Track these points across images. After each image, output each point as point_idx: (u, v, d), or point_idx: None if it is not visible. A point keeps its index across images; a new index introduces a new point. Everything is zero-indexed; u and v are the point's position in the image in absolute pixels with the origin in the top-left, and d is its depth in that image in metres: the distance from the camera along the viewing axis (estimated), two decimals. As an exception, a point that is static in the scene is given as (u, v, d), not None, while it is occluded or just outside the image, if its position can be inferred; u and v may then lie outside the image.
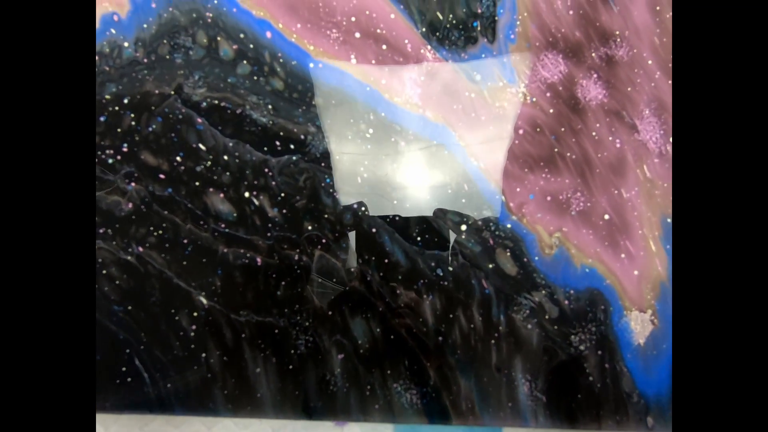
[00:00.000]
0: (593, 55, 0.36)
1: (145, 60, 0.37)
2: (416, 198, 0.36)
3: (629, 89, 0.36)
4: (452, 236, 0.34)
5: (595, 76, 0.36)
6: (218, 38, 0.37)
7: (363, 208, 0.35)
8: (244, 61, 0.37)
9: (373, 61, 0.37)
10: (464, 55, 0.36)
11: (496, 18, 0.37)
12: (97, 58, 0.37)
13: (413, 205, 0.35)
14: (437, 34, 0.37)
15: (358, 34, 0.37)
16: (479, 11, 0.37)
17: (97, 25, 0.38)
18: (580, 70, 0.36)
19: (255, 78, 0.37)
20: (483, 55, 0.37)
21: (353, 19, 0.37)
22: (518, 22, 0.37)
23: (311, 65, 0.37)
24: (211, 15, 0.37)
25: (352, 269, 0.34)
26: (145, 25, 0.37)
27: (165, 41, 0.37)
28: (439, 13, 0.37)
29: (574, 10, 0.37)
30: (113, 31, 0.37)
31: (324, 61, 0.37)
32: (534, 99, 0.36)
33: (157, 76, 0.37)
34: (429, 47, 0.37)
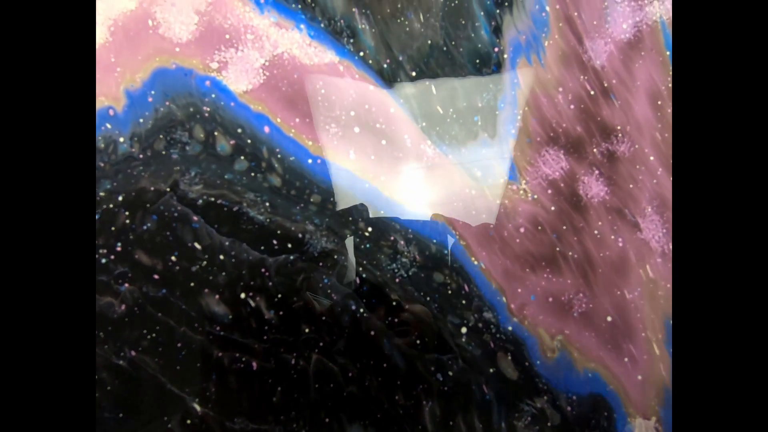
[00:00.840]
0: (595, 150, 0.36)
1: (141, 156, 0.36)
2: (415, 299, 0.35)
3: (631, 186, 0.35)
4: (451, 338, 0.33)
5: (596, 172, 0.36)
6: (215, 133, 0.36)
7: (361, 310, 0.35)
8: (242, 157, 0.36)
9: (373, 157, 0.36)
10: (465, 150, 0.36)
11: (497, 112, 0.36)
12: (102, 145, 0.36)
13: (412, 306, 0.34)
14: (437, 128, 0.36)
15: (357, 129, 0.36)
16: (480, 105, 0.36)
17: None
18: (581, 166, 0.35)
19: (252, 174, 0.36)
20: (484, 151, 0.36)
21: (352, 113, 0.37)
22: (519, 117, 0.36)
23: (309, 161, 0.36)
24: (208, 109, 0.37)
25: (353, 281, 0.32)
26: (141, 120, 0.37)
27: (161, 136, 0.36)
28: (439, 107, 0.37)
29: (575, 104, 0.36)
30: (108, 125, 0.36)
31: (322, 156, 0.36)
32: (535, 196, 0.35)
33: (153, 173, 0.36)
34: (429, 142, 0.36)
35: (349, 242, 0.36)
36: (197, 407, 0.35)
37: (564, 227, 0.35)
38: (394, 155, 0.37)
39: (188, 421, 0.35)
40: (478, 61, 0.39)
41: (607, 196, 0.36)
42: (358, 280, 0.37)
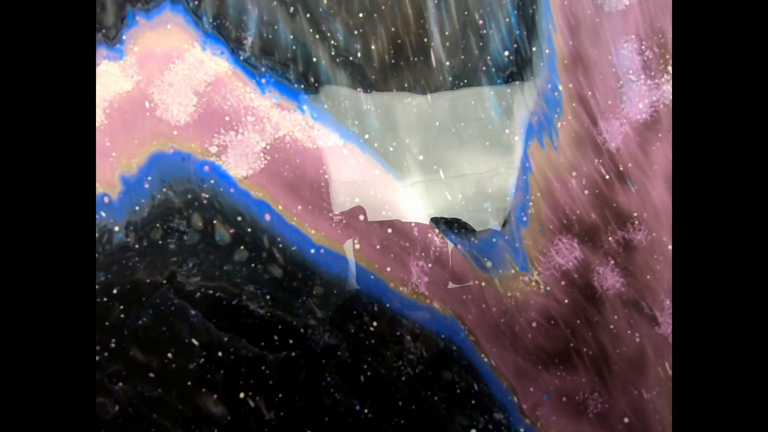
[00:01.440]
0: (610, 239, 0.34)
1: (137, 246, 0.34)
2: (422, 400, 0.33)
3: (648, 277, 0.33)
4: None
5: (612, 262, 0.34)
6: (214, 221, 0.34)
7: (366, 410, 0.32)
8: (242, 247, 0.34)
9: (378, 247, 0.35)
10: (474, 239, 0.34)
11: (508, 198, 0.34)
12: None
13: (418, 408, 0.32)
14: (446, 216, 0.34)
15: (361, 217, 0.34)
16: (490, 191, 0.34)
17: None
18: (596, 255, 0.33)
19: (252, 265, 0.34)
20: (494, 240, 0.34)
21: (357, 199, 0.35)
22: (531, 203, 0.34)
23: (312, 251, 0.34)
24: (207, 196, 0.35)
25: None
26: (137, 208, 0.35)
27: (158, 225, 0.34)
28: (447, 193, 0.35)
29: (589, 190, 0.34)
30: (103, 214, 0.35)
31: (325, 246, 0.34)
32: (548, 288, 0.33)
33: (149, 264, 0.34)
34: (437, 231, 0.34)
35: (348, 246, 0.34)
36: None
37: (578, 321, 0.34)
38: (401, 245, 0.35)
39: None
40: (488, 143, 0.37)
41: (623, 287, 0.34)
42: (362, 378, 0.35)
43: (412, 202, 0.38)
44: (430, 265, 0.37)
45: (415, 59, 0.40)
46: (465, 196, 0.38)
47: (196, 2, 0.41)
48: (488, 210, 0.38)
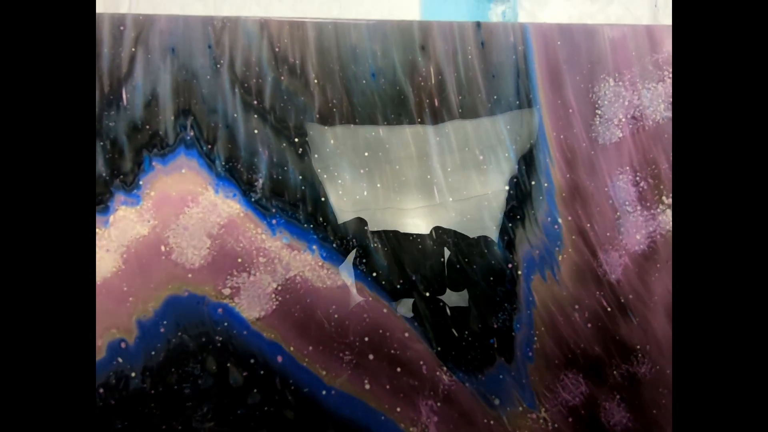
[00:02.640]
0: (615, 373, 0.34)
1: (152, 391, 0.34)
2: None
3: (654, 412, 0.34)
4: None
5: (618, 397, 0.34)
6: (228, 365, 0.35)
7: None
8: (255, 390, 0.34)
9: (388, 386, 0.35)
10: (482, 376, 0.34)
11: (513, 333, 0.35)
12: (101, 390, 0.35)
13: None
14: (453, 353, 0.34)
15: (371, 356, 0.35)
16: (495, 326, 0.35)
17: (103, 354, 0.35)
18: (601, 390, 0.34)
19: (265, 408, 0.34)
20: (501, 376, 0.34)
21: (366, 339, 0.35)
22: (536, 338, 0.35)
23: (324, 392, 0.34)
24: (221, 338, 0.35)
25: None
26: (153, 352, 0.35)
27: (173, 369, 0.35)
28: (454, 330, 0.35)
29: (592, 323, 0.35)
30: (120, 360, 0.35)
31: (336, 387, 0.34)
32: (556, 425, 0.33)
33: (165, 410, 0.34)
34: (445, 368, 0.34)
35: (348, 267, 0.35)
36: None
37: (587, 460, 0.34)
38: (410, 383, 0.35)
39: None
40: (492, 278, 0.38)
41: (630, 423, 0.35)
42: None
43: (420, 338, 0.39)
44: (439, 404, 0.37)
45: (420, 196, 0.41)
46: (471, 331, 0.39)
47: (209, 146, 0.43)
48: (494, 346, 0.38)
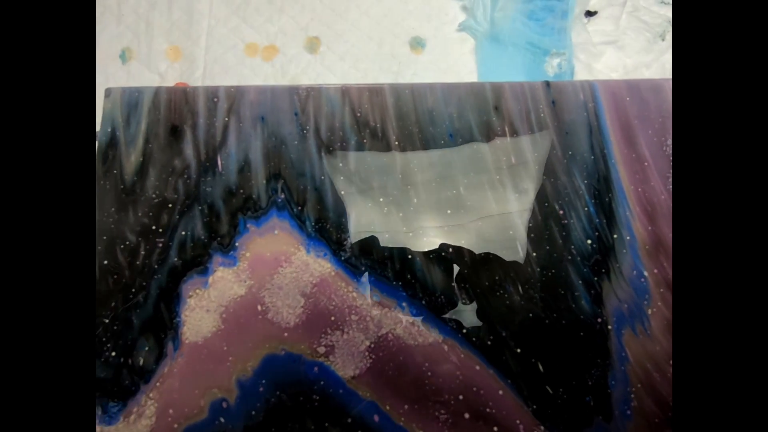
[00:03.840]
0: None
1: None
2: None
3: None
4: None
5: None
6: (326, 424, 0.35)
7: None
8: None
9: None
10: None
11: (609, 391, 0.34)
12: None
13: None
14: (548, 411, 0.34)
15: (467, 415, 0.35)
16: (590, 383, 0.34)
17: (206, 414, 0.36)
18: None
19: None
20: None
21: (461, 397, 0.35)
22: (633, 395, 0.34)
23: None
24: (318, 398, 0.35)
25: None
26: (253, 412, 0.36)
27: (273, 429, 0.35)
28: (548, 387, 0.35)
29: None
30: (222, 420, 0.36)
31: None
32: None
33: None
34: (542, 428, 0.34)
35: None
36: None
37: None
38: None
39: None
40: (582, 333, 0.38)
41: None
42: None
43: (515, 397, 0.38)
44: (538, 465, 0.37)
45: (504, 252, 0.42)
46: (566, 389, 0.39)
47: (300, 208, 0.45)
48: (591, 404, 0.38)
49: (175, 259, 0.47)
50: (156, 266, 0.47)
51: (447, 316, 0.43)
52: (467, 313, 0.43)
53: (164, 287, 0.46)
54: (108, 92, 0.51)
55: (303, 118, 0.51)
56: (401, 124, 0.50)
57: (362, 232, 0.45)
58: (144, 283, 0.46)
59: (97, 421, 0.42)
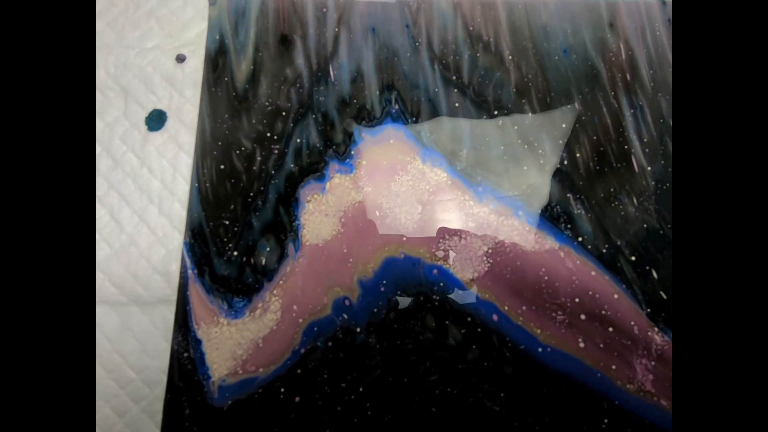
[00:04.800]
0: None
1: (378, 346, 0.37)
2: None
3: None
4: None
5: None
6: (446, 322, 0.36)
7: None
8: (474, 346, 0.36)
9: (601, 345, 0.36)
10: None
11: None
12: (330, 344, 0.37)
13: None
14: (662, 314, 0.36)
15: (583, 316, 0.36)
16: None
17: (329, 311, 0.38)
18: None
19: (485, 363, 0.36)
20: None
21: (577, 300, 0.37)
22: None
23: (539, 350, 0.36)
24: (437, 298, 0.37)
25: None
26: (375, 310, 0.38)
27: (395, 326, 0.37)
28: (662, 292, 0.36)
29: None
30: (345, 316, 0.37)
31: (552, 345, 0.36)
32: None
33: (389, 363, 0.36)
34: (656, 329, 0.35)
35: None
36: None
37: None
38: (623, 343, 0.37)
39: None
40: None
41: None
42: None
43: (630, 301, 0.40)
44: (653, 362, 0.38)
45: (618, 165, 0.42)
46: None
47: (414, 119, 0.45)
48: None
49: (292, 165, 0.48)
50: (273, 172, 0.48)
51: (562, 224, 0.45)
52: (583, 222, 0.43)
53: (282, 192, 0.47)
54: (213, 0, 0.51)
55: (415, 31, 0.51)
56: (515, 38, 0.50)
57: (477, 144, 0.46)
58: (262, 188, 0.47)
59: (222, 315, 0.44)
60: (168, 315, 0.47)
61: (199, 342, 0.48)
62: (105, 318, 0.48)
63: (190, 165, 0.48)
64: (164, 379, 0.43)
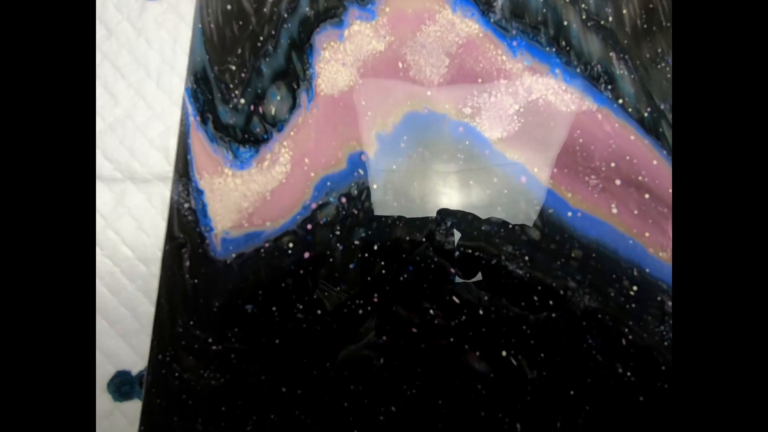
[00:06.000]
0: None
1: (395, 204, 0.34)
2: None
3: None
4: None
5: None
6: (470, 182, 0.34)
7: (628, 373, 0.32)
8: (498, 208, 0.33)
9: (636, 212, 0.34)
10: None
11: None
12: (344, 200, 0.34)
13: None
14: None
15: (618, 182, 0.34)
16: None
17: (344, 165, 0.35)
18: None
19: (510, 226, 0.33)
20: None
21: (613, 164, 0.34)
22: None
23: (569, 214, 0.33)
24: (462, 157, 0.34)
25: None
26: (394, 167, 0.35)
27: (415, 184, 0.34)
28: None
29: None
30: (361, 171, 0.34)
31: (582, 210, 0.33)
32: None
33: (408, 222, 0.34)
34: None
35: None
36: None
37: None
38: (659, 210, 0.34)
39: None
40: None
41: None
42: (624, 342, 0.35)
43: (670, 167, 0.37)
44: (689, 232, 0.36)
45: (668, 25, 0.39)
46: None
47: (444, -36, 0.41)
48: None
49: (307, 9, 0.44)
50: (285, 15, 0.44)
51: (602, 84, 0.42)
52: (625, 83, 0.40)
53: (295, 38, 0.44)
54: None
55: None
56: None
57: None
58: (273, 32, 0.44)
59: (227, 166, 0.42)
60: (165, 193, 0.44)
61: (200, 192, 0.46)
62: (99, 195, 0.45)
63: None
64: (160, 256, 0.40)
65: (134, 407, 0.41)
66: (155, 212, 0.45)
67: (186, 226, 0.40)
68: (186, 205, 0.40)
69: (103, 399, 0.42)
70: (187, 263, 0.39)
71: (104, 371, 0.42)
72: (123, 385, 0.42)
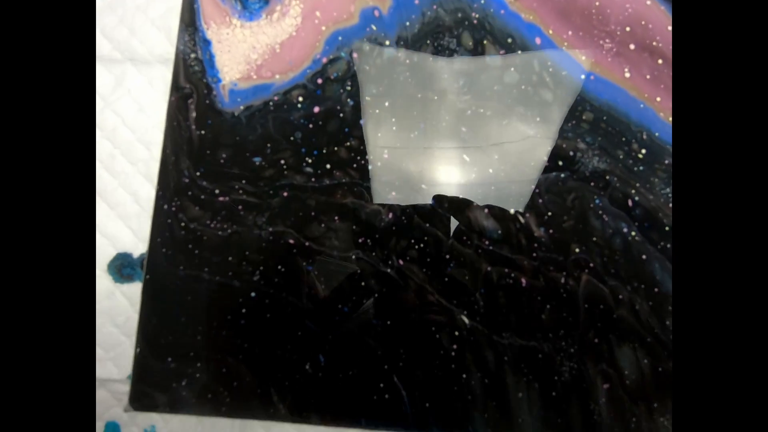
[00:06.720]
0: None
1: (407, 61, 0.34)
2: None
3: None
4: None
5: None
6: (484, 42, 0.34)
7: (633, 233, 0.32)
8: (512, 69, 0.33)
9: (648, 77, 0.34)
10: None
11: None
12: (356, 55, 0.34)
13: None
14: None
15: (632, 46, 0.34)
16: None
17: (356, 20, 0.34)
18: None
19: (523, 87, 0.33)
20: None
21: (628, 29, 0.34)
22: None
23: (582, 77, 0.33)
24: (477, 16, 0.34)
25: None
26: (407, 23, 0.34)
27: (428, 42, 0.34)
28: None
29: None
30: (374, 27, 0.34)
31: (596, 73, 0.33)
32: None
33: (418, 81, 0.34)
34: None
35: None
36: (465, 320, 0.34)
37: None
38: (671, 76, 0.34)
39: (456, 333, 0.34)
40: None
41: None
42: (630, 203, 0.35)
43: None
44: (700, 98, 0.37)
45: None
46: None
47: None
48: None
49: None
50: None
51: None
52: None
53: None
54: None
55: None
56: None
57: None
58: None
59: (236, 16, 0.40)
60: (167, 75, 0.42)
61: (208, 43, 0.44)
62: (98, 76, 0.43)
63: None
64: (162, 139, 0.39)
65: (135, 288, 0.41)
66: (156, 94, 0.42)
67: (192, 76, 0.39)
68: (192, 56, 0.39)
69: (103, 280, 0.41)
70: (194, 114, 0.39)
71: (105, 253, 0.41)
72: (124, 268, 0.42)
